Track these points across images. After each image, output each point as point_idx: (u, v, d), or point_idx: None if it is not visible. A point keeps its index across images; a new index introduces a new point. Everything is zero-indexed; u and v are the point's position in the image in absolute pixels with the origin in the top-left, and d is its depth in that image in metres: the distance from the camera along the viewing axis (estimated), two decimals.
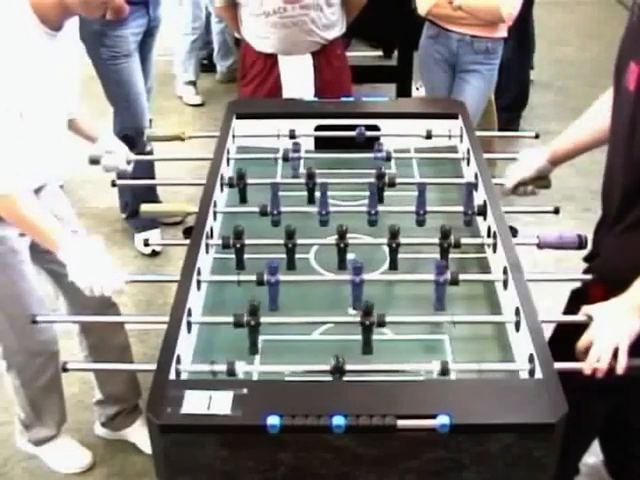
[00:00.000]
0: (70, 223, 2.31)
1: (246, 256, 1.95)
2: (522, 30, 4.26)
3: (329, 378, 1.60)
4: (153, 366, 1.59)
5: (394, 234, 1.92)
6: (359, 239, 2.08)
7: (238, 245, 1.93)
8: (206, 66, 5.53)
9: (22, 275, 2.17)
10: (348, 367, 1.60)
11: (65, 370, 1.73)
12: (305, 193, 2.21)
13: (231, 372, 1.61)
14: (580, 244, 2.02)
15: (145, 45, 3.51)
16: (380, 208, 2.11)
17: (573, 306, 1.89)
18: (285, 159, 2.35)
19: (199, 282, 1.89)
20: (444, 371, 1.60)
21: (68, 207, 2.36)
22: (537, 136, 2.62)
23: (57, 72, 2.00)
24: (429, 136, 2.52)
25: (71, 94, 2.16)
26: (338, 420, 1.42)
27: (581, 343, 1.65)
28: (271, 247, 1.97)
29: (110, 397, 2.62)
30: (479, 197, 2.16)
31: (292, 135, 2.50)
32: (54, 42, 1.95)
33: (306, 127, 2.56)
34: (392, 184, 2.19)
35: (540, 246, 2.05)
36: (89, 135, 2.36)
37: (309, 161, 2.44)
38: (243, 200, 2.23)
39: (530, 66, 4.94)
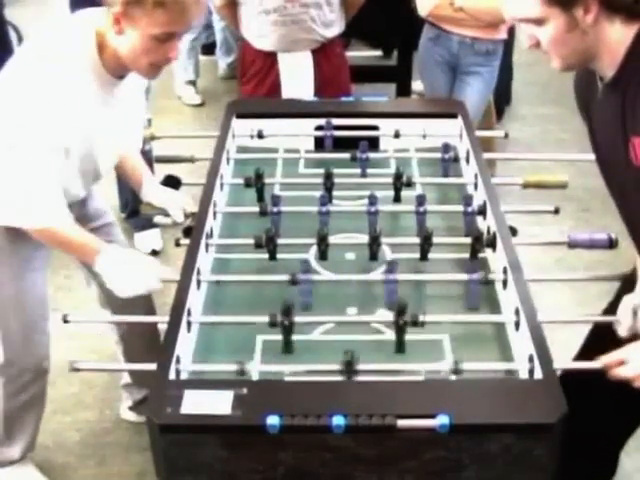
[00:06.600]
0: (104, 215, 2.33)
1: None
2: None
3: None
4: (153, 366, 1.59)
5: (427, 237, 1.98)
6: (358, 238, 2.08)
7: (271, 247, 2.00)
8: (206, 47, 5.49)
9: (28, 286, 2.14)
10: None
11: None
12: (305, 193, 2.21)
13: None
14: (610, 244, 2.03)
15: None
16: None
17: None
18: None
19: (199, 282, 1.89)
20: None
21: (101, 202, 2.35)
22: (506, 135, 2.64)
23: (114, 117, 2.00)
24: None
25: (128, 138, 2.17)
26: (338, 420, 1.42)
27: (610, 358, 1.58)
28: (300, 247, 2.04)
29: (139, 381, 2.59)
30: (479, 197, 2.16)
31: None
32: (115, 88, 1.95)
33: (306, 127, 2.56)
34: (409, 184, 2.22)
35: (570, 245, 2.06)
36: (130, 175, 2.29)
37: (309, 161, 2.44)
38: (260, 199, 2.23)
39: (510, 54, 4.78)
